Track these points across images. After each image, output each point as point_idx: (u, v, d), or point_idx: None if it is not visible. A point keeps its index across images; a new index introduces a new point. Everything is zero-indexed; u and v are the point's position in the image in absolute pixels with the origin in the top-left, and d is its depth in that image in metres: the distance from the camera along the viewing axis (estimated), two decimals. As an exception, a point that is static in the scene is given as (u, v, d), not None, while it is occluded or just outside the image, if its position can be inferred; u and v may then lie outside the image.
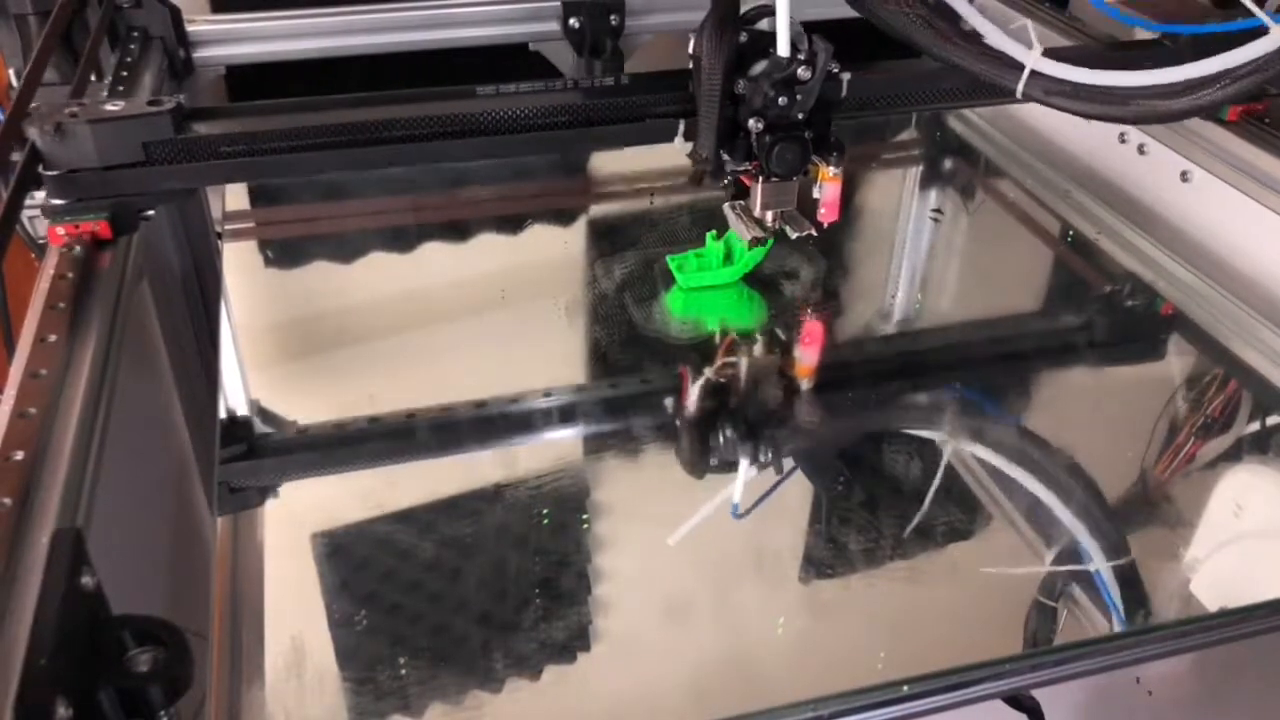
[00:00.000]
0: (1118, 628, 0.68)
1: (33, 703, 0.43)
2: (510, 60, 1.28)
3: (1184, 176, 1.04)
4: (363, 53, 1.23)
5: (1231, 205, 0.98)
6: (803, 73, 0.82)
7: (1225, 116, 0.99)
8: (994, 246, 1.14)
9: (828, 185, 0.88)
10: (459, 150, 0.88)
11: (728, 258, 0.98)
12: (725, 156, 0.86)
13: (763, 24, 0.82)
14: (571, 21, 1.25)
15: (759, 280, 0.99)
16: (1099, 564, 0.72)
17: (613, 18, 1.25)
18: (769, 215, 0.90)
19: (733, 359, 0.91)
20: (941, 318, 1.02)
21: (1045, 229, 1.14)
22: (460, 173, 1.20)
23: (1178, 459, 0.82)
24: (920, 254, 1.11)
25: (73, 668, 0.47)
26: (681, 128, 0.89)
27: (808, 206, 0.90)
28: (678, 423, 0.84)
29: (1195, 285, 1.00)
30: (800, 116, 0.84)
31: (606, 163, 1.24)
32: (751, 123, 0.84)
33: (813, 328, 0.95)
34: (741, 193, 0.91)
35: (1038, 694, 0.84)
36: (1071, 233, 1.11)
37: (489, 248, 1.09)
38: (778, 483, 0.78)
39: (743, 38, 0.82)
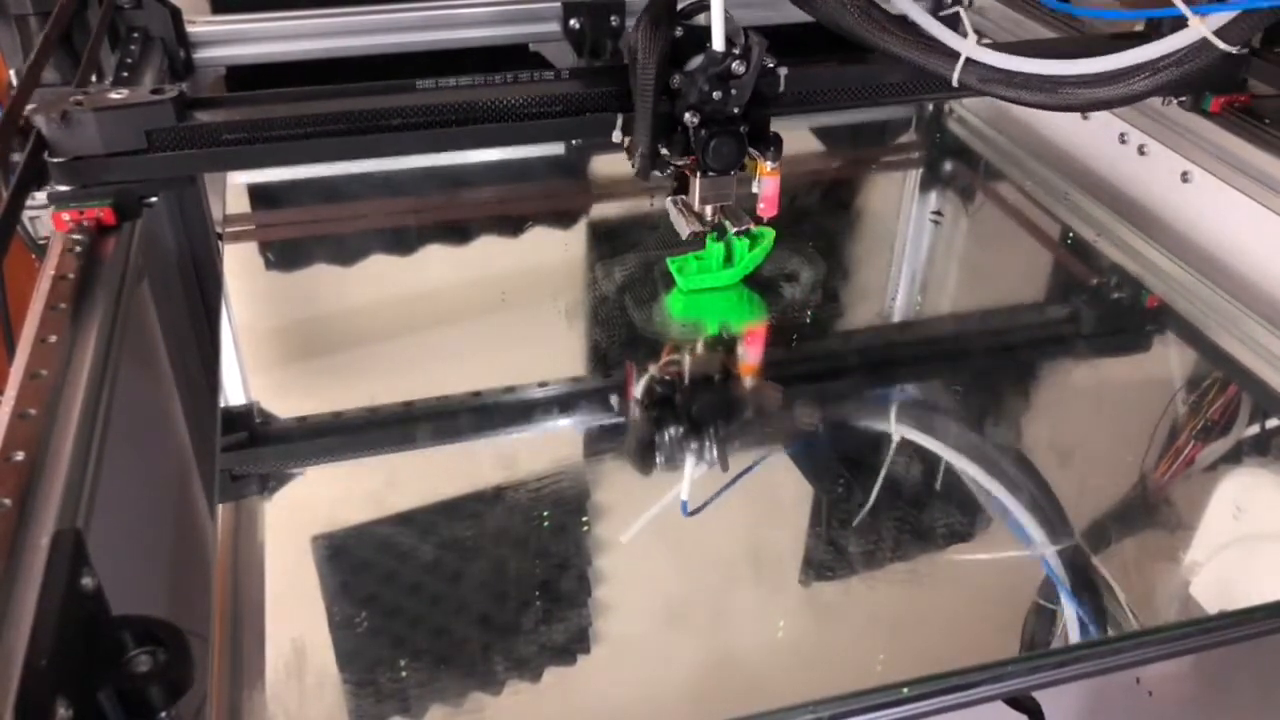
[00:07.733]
0: (1117, 629, 0.68)
1: (33, 703, 0.43)
2: (510, 61, 1.28)
3: (1184, 177, 1.04)
4: (363, 54, 1.23)
5: (1232, 206, 0.98)
6: (737, 67, 0.82)
7: (1208, 108, 1.00)
8: (994, 248, 1.14)
9: (766, 180, 0.88)
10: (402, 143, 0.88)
11: (728, 259, 0.97)
12: (664, 151, 0.86)
13: (700, 18, 0.82)
14: (572, 22, 1.25)
15: (759, 282, 0.99)
16: (1098, 565, 0.72)
17: (613, 18, 1.25)
18: (708, 210, 0.90)
19: (729, 361, 0.91)
20: (942, 320, 1.01)
21: (1045, 231, 1.14)
22: (460, 174, 1.20)
23: (1178, 461, 0.82)
24: (920, 256, 1.10)
25: (73, 668, 0.47)
26: (620, 122, 0.89)
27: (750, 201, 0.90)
28: (670, 426, 0.84)
29: (1196, 287, 1.00)
30: (736, 111, 0.85)
31: (607, 164, 1.24)
32: (687, 117, 0.84)
33: (813, 329, 0.95)
34: (683, 187, 0.92)
35: (1038, 695, 0.84)
36: (1072, 235, 1.11)
37: (489, 250, 1.09)
38: (731, 480, 0.78)
39: (679, 32, 0.82)
